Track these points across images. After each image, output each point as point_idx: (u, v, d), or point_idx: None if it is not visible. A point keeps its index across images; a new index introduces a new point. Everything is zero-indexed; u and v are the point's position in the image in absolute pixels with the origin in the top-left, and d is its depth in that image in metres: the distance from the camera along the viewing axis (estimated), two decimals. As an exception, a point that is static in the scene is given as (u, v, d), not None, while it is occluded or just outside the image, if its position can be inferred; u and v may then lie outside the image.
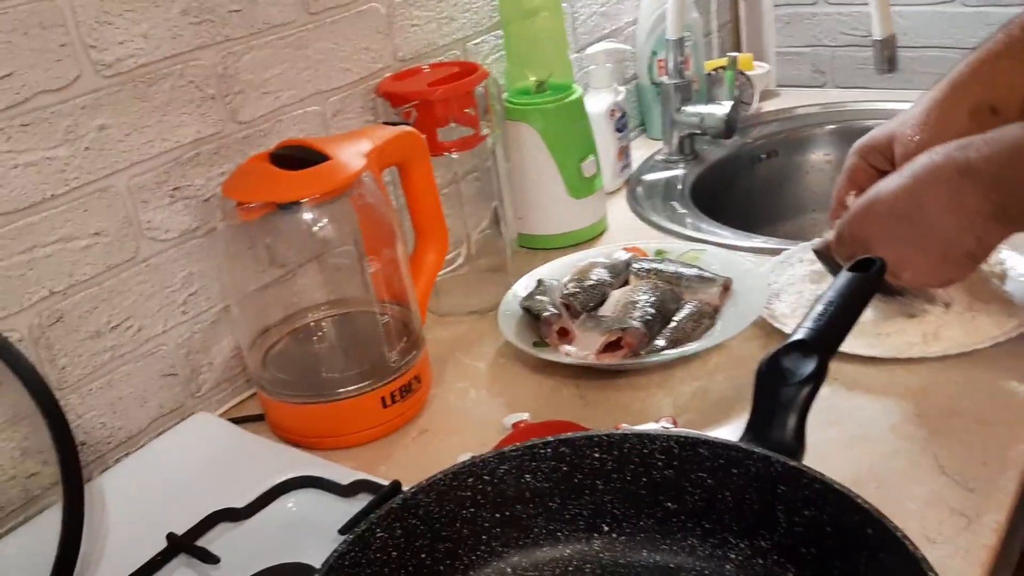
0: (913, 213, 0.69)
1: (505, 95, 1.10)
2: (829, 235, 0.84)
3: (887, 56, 1.11)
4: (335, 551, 0.51)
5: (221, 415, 0.87)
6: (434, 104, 0.93)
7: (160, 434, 0.83)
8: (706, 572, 0.56)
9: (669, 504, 0.57)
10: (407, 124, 0.89)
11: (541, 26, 1.10)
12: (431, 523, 0.56)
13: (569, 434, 0.58)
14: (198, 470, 0.78)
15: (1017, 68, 0.81)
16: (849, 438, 0.72)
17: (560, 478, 0.58)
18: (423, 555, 0.56)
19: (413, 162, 0.86)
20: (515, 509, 0.58)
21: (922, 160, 0.70)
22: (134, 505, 0.74)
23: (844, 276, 0.62)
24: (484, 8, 1.12)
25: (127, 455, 0.81)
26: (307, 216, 0.78)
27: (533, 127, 1.07)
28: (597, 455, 0.58)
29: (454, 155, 0.96)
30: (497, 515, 0.58)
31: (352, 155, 0.79)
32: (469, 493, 0.57)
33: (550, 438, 0.58)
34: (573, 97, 1.08)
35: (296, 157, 0.78)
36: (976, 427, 0.70)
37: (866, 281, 0.61)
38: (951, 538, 0.60)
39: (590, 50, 1.24)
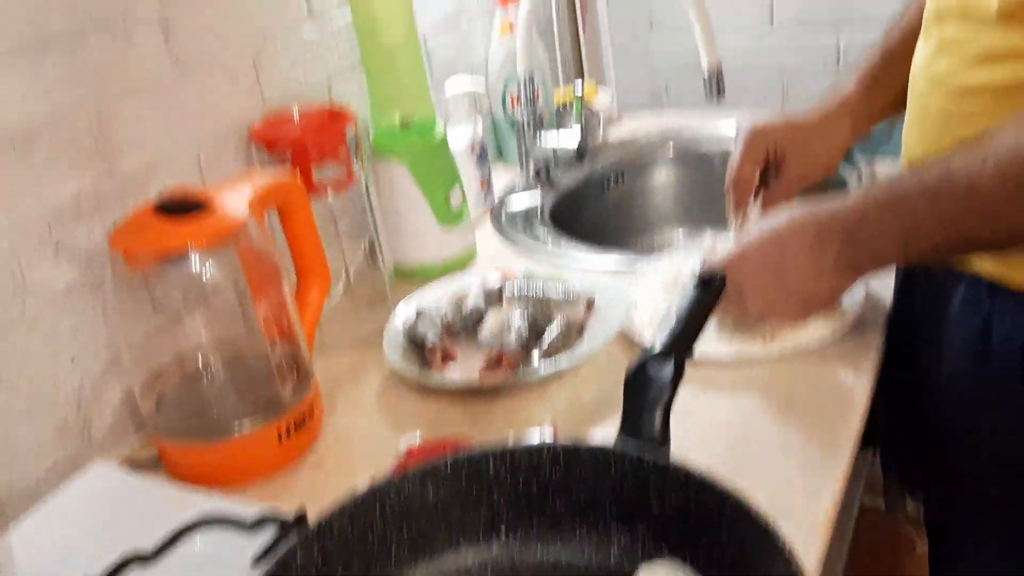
0: (777, 265, 0.78)
1: (372, 133, 1.16)
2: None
3: (715, 84, 1.24)
4: (262, 576, 0.56)
5: (119, 463, 0.89)
6: (308, 148, 0.98)
7: (59, 487, 0.84)
8: (593, 561, 0.64)
9: (558, 505, 0.65)
10: (285, 167, 0.94)
11: (401, 65, 1.16)
12: (346, 543, 0.61)
13: (466, 451, 0.64)
14: (101, 519, 0.79)
15: (890, 82, 0.94)
16: (707, 429, 0.81)
17: (459, 491, 0.65)
18: (340, 571, 0.61)
19: (292, 205, 0.91)
20: (420, 523, 0.64)
21: (785, 218, 0.79)
22: (42, 559, 0.75)
23: (691, 291, 0.71)
24: (346, 50, 1.17)
25: (28, 511, 0.82)
26: (194, 263, 0.81)
27: (401, 163, 1.13)
28: (491, 467, 0.64)
29: (329, 195, 1.01)
30: (404, 530, 0.64)
31: (235, 201, 0.83)
32: (378, 512, 0.62)
33: (449, 456, 0.64)
34: (437, 133, 1.15)
35: (181, 206, 0.81)
36: (812, 415, 0.82)
37: (709, 295, 0.71)
38: (797, 509, 0.70)
39: (448, 86, 1.32)
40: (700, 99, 1.73)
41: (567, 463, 0.63)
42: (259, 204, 0.85)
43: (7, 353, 0.80)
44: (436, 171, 1.15)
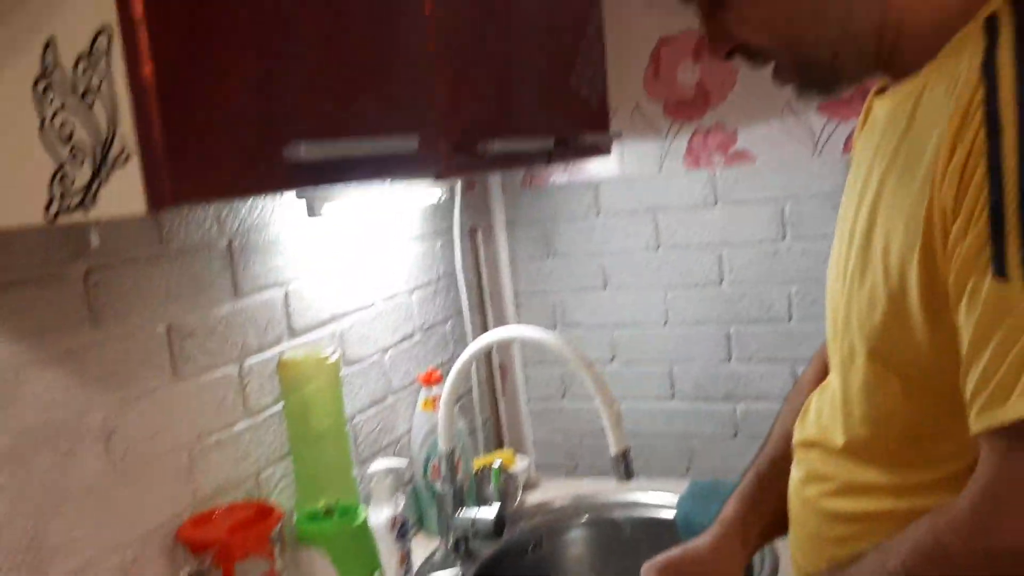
0: None
1: (296, 518, 1.20)
2: None
3: (623, 468, 1.33)
4: None
5: None
6: (233, 547, 1.01)
7: None
8: None
9: None
10: (210, 571, 0.96)
11: (327, 448, 1.24)
12: None
13: None
14: None
15: (766, 508, 1.02)
16: None
17: None
18: None
19: (214, 611, 0.93)
20: None
21: None
22: None
23: None
24: (275, 442, 1.24)
25: None
26: None
27: (323, 550, 1.16)
28: None
29: (252, 593, 1.03)
30: None
31: (158, 618, 0.85)
32: None
33: None
34: (358, 521, 1.20)
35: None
36: None
37: None
38: None
39: (371, 467, 1.38)
40: (609, 460, 1.84)
41: None
42: (181, 615, 0.87)
43: None
44: (356, 557, 1.19)
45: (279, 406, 1.25)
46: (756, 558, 1.33)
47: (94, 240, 0.96)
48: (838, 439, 0.83)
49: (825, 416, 0.88)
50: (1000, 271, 0.62)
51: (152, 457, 1.04)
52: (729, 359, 1.75)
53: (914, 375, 0.75)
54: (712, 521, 1.40)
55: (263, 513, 1.07)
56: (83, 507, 0.95)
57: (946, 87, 0.69)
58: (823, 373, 0.99)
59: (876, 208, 0.77)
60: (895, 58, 0.77)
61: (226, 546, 1.01)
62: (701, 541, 1.03)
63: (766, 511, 1.02)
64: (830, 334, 0.90)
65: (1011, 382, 0.61)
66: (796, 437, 0.93)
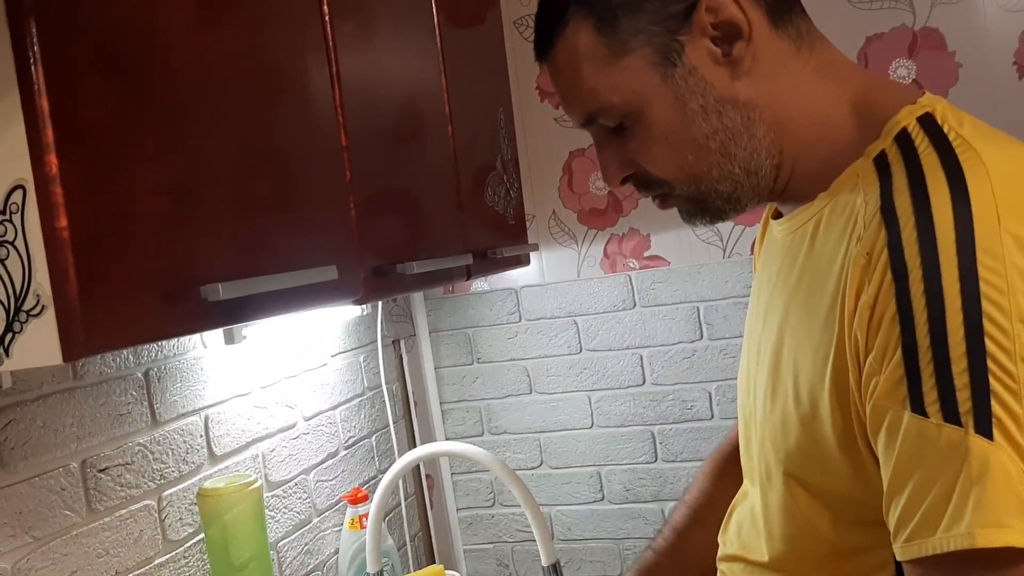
0: None
1: (219, 655, 1.16)
2: None
3: (554, 580, 1.33)
4: None
5: None
6: None
7: None
8: None
9: None
10: None
11: (251, 579, 1.20)
12: None
13: None
14: None
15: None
16: None
17: None
18: None
19: None
20: None
21: None
22: None
23: None
24: (196, 572, 1.21)
25: None
26: None
27: None
28: None
29: None
30: None
31: None
32: None
33: None
34: (286, 653, 1.16)
35: None
36: None
37: None
38: None
39: (298, 593, 1.35)
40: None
41: None
42: None
43: None
44: None
45: (200, 536, 1.22)
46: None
47: (5, 381, 0.94)
48: (760, 555, 0.85)
49: (745, 531, 0.90)
50: (918, 409, 0.63)
51: (66, 603, 1.00)
52: (655, 459, 1.78)
53: (830, 495, 0.76)
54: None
55: (184, 655, 1.03)
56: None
57: (844, 221, 0.72)
58: (709, 478, 1.08)
59: (783, 332, 0.79)
60: (788, 190, 0.81)
61: None
62: None
63: None
64: (743, 445, 0.93)
65: (936, 516, 0.62)
66: (720, 552, 0.94)
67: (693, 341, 1.73)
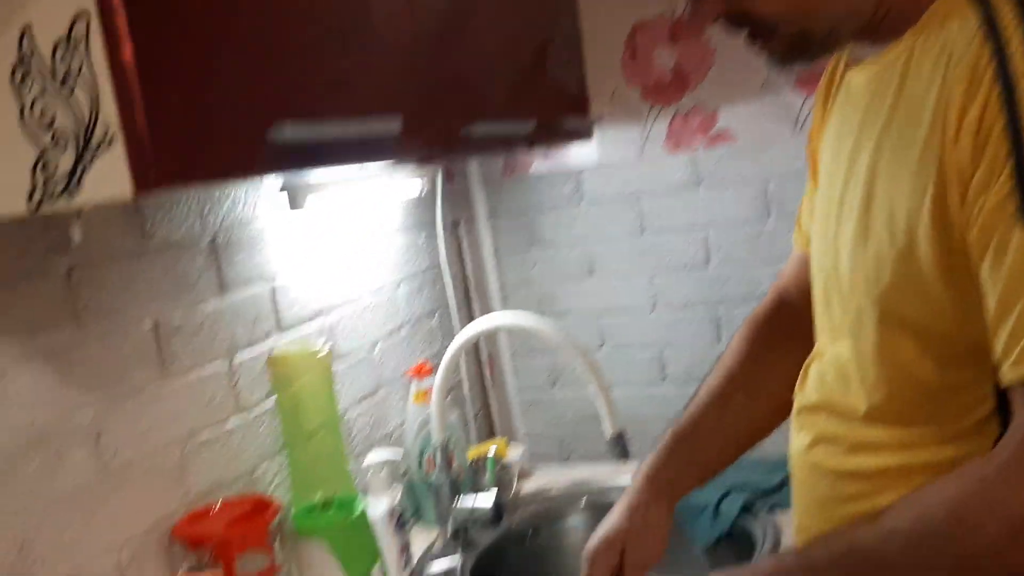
0: None
1: (293, 512, 1.19)
2: None
3: (619, 449, 1.33)
4: None
5: None
6: (231, 543, 1.00)
7: None
8: None
9: None
10: (209, 568, 0.95)
11: (322, 443, 1.22)
12: None
13: None
14: None
15: (689, 450, 1.04)
16: None
17: None
18: None
19: (215, 607, 0.91)
20: None
21: None
22: None
23: None
24: (268, 438, 1.23)
25: None
26: None
27: (323, 543, 1.15)
28: None
29: (251, 587, 1.02)
30: None
31: (159, 614, 0.83)
32: None
33: None
34: (357, 513, 1.19)
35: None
36: None
37: None
38: None
39: (367, 460, 1.37)
40: (604, 449, 1.84)
41: None
42: (183, 611, 0.86)
43: None
44: (356, 548, 1.18)
45: (271, 402, 1.24)
46: (758, 531, 1.33)
47: (76, 235, 0.94)
48: (850, 401, 0.84)
49: (830, 382, 0.88)
50: None
51: (143, 456, 1.02)
52: (718, 340, 1.75)
53: (929, 332, 0.75)
54: (707, 500, 1.41)
55: (260, 507, 1.06)
56: (73, 510, 0.93)
57: (937, 52, 0.71)
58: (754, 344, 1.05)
59: (873, 176, 0.77)
60: (881, 28, 0.78)
61: (224, 541, 1.00)
62: (627, 509, 1.03)
63: (695, 471, 1.05)
64: (821, 306, 0.91)
65: None
66: (798, 404, 0.93)
67: (760, 220, 1.68)
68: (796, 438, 0.93)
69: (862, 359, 0.82)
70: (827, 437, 0.87)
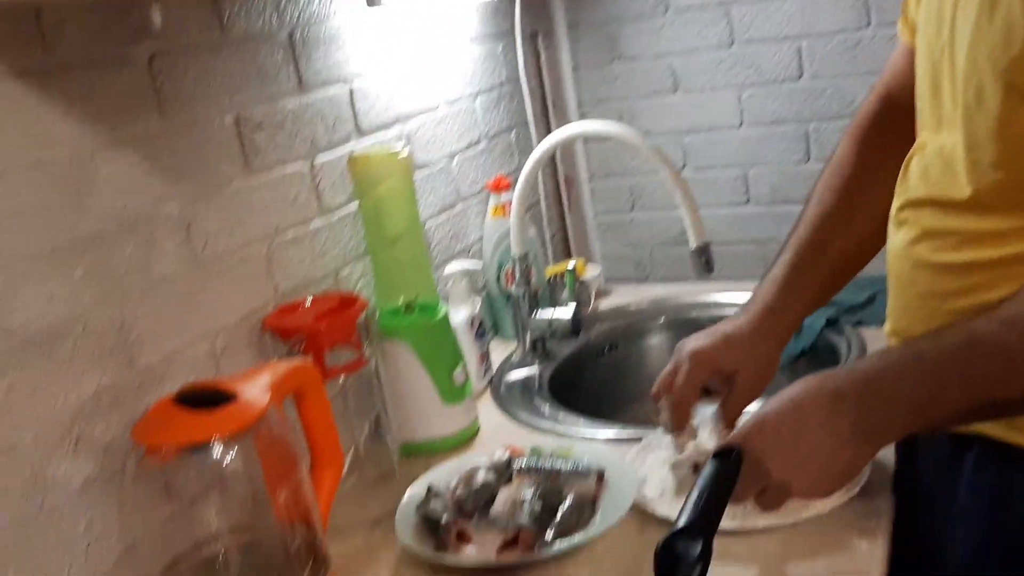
0: (795, 435, 0.77)
1: (378, 315, 1.20)
2: (688, 450, 0.97)
3: (704, 261, 1.30)
4: None
5: (128, 661, 0.87)
6: (321, 336, 1.01)
7: None
8: None
9: None
10: (300, 356, 0.96)
11: (404, 250, 1.22)
12: None
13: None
14: None
15: (806, 284, 0.99)
16: (728, 605, 0.81)
17: None
18: None
19: (308, 391, 0.93)
20: None
21: (798, 388, 0.79)
22: None
23: (710, 465, 0.73)
24: (351, 241, 1.23)
25: None
26: (216, 453, 0.83)
27: (407, 344, 1.16)
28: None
29: (341, 379, 1.04)
30: None
31: (256, 391, 0.85)
32: None
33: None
34: (440, 315, 1.19)
35: (202, 397, 0.83)
36: (832, 581, 0.82)
37: (728, 468, 0.73)
38: None
39: (447, 269, 1.37)
40: (683, 271, 1.81)
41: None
42: (278, 391, 0.87)
43: (22, 546, 0.80)
44: (439, 350, 1.19)
45: (353, 206, 1.23)
46: (843, 346, 1.31)
47: (156, 19, 0.92)
48: (960, 191, 0.78)
49: (935, 172, 0.83)
50: None
51: (231, 250, 1.03)
52: (808, 159, 1.68)
53: None
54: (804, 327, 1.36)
55: (348, 302, 1.07)
56: (168, 296, 0.95)
57: None
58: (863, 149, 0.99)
59: None
60: None
61: (314, 332, 1.01)
62: (739, 324, 0.99)
63: (804, 296, 1.00)
64: (928, 93, 0.84)
65: None
66: (899, 200, 0.88)
67: (859, 29, 1.58)
68: (897, 235, 0.89)
69: (976, 143, 0.76)
70: (933, 231, 0.83)
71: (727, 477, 0.72)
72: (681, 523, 0.67)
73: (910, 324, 0.87)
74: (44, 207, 0.82)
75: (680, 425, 1.00)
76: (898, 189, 0.90)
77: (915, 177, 0.87)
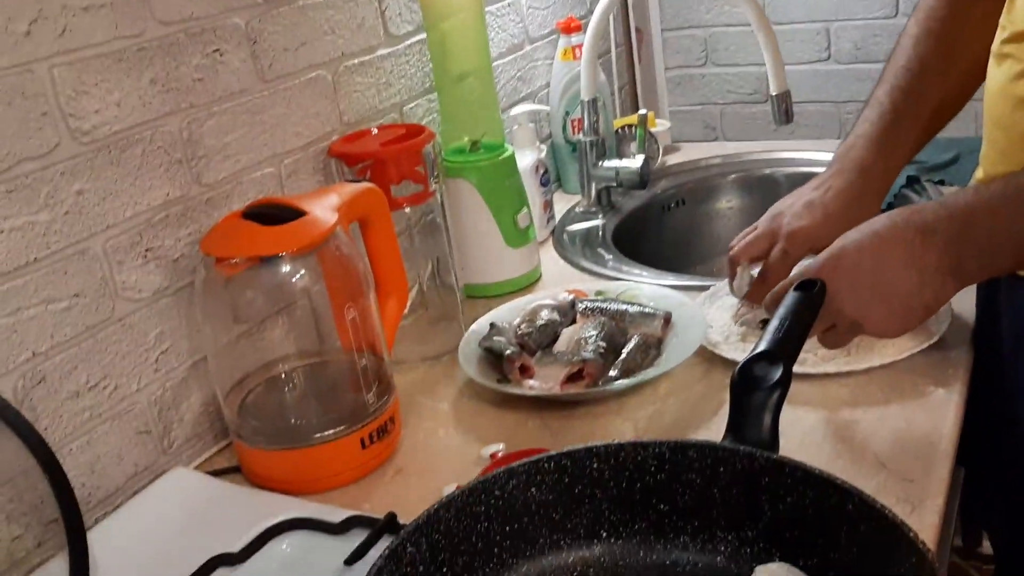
0: (876, 269, 0.74)
1: (442, 153, 1.17)
2: (753, 271, 0.94)
3: (783, 109, 1.24)
4: (373, 566, 0.55)
5: (194, 469, 0.89)
6: (387, 163, 0.99)
7: (137, 492, 0.84)
8: (699, 565, 0.63)
9: (662, 506, 0.64)
10: (367, 182, 0.94)
11: (471, 90, 1.18)
12: (451, 538, 0.60)
13: (570, 447, 0.63)
14: (183, 523, 0.79)
15: (903, 139, 0.94)
16: (797, 446, 0.79)
17: (562, 490, 0.64)
18: (444, 569, 0.60)
19: (375, 216, 0.91)
20: (522, 522, 0.63)
21: (883, 220, 0.76)
22: (126, 562, 0.75)
23: (792, 296, 0.70)
24: (418, 75, 1.19)
25: (106, 515, 0.82)
26: (285, 268, 0.82)
27: (471, 183, 1.14)
28: (595, 465, 0.64)
29: (406, 209, 1.02)
30: (507, 528, 0.63)
31: (324, 210, 0.83)
32: (482, 508, 0.62)
33: (553, 452, 0.63)
34: (506, 155, 1.16)
35: (270, 214, 0.82)
36: (905, 427, 0.80)
37: (811, 299, 0.70)
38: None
39: (513, 111, 1.33)
40: (753, 130, 1.75)
41: (674, 463, 0.62)
42: (346, 213, 0.86)
43: (96, 354, 0.81)
44: (504, 192, 1.16)
45: (420, 37, 1.18)
46: (923, 199, 1.25)
47: None
48: None
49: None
50: None
51: (297, 71, 0.99)
52: (896, 13, 1.58)
53: None
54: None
55: (414, 131, 1.04)
56: (235, 113, 0.92)
57: None
58: None
59: None
60: None
61: (380, 159, 0.98)
62: (836, 193, 0.93)
63: (902, 151, 0.94)
64: None
65: None
66: (1004, 33, 0.81)
67: None
68: (998, 71, 0.82)
69: None
70: None
71: (810, 309, 0.70)
72: (762, 347, 0.65)
73: (1008, 169, 0.81)
74: (112, 6, 0.80)
75: (759, 299, 0.96)
76: (1003, 20, 0.83)
77: (1019, 9, 0.80)
